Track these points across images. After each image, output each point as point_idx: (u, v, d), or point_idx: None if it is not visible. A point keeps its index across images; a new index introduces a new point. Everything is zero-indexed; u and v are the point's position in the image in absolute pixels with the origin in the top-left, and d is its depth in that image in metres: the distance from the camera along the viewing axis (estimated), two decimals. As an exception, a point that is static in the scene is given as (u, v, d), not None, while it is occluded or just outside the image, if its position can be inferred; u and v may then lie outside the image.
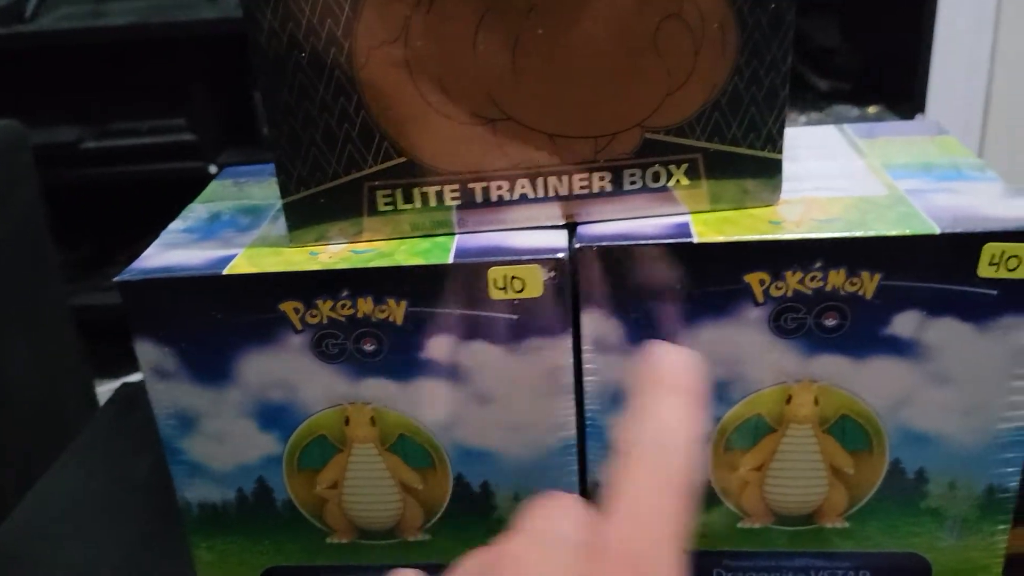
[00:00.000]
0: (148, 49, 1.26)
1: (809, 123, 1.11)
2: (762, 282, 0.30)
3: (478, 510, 0.34)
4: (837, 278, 0.30)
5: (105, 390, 0.77)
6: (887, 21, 1.20)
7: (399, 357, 0.32)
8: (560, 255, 0.30)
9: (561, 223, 0.32)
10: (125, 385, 0.59)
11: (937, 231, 0.29)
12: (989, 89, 1.22)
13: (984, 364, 0.31)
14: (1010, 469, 0.33)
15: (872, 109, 1.12)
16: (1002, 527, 0.34)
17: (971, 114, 1.22)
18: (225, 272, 0.31)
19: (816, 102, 1.17)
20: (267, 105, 0.30)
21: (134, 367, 0.33)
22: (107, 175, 1.32)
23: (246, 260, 0.32)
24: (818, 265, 0.30)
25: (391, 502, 0.34)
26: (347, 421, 0.33)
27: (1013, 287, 0.30)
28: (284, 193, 0.32)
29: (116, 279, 0.31)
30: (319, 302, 0.31)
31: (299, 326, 0.31)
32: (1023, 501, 0.35)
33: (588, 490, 0.34)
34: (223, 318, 0.32)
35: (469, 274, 0.30)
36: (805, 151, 0.37)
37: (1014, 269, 0.29)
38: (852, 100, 1.18)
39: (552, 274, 0.30)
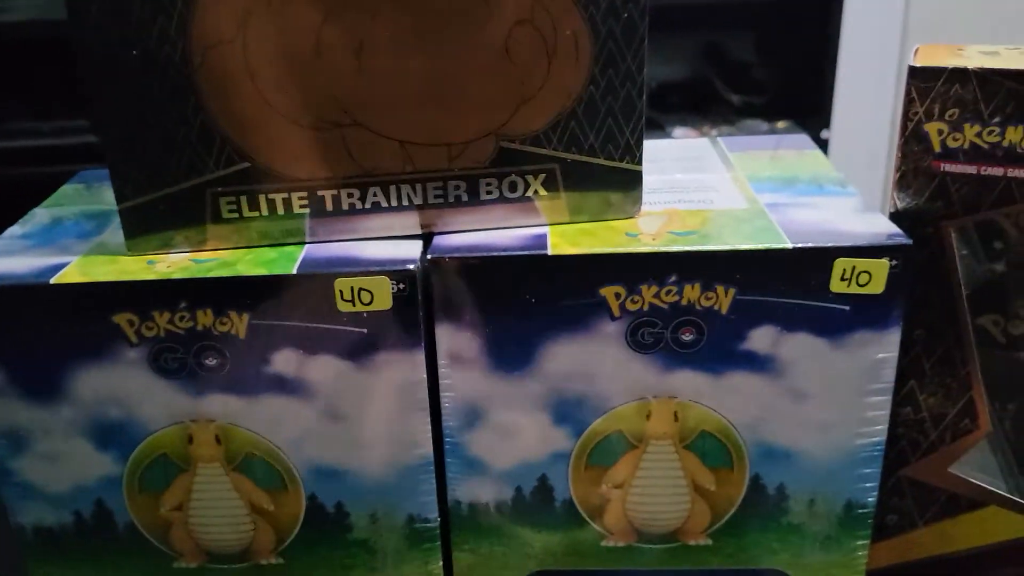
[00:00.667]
0: (50, 47, 1.21)
1: (720, 136, 1.12)
2: (618, 295, 0.30)
3: (333, 532, 0.33)
4: (692, 292, 0.30)
5: None
6: (798, 37, 1.22)
7: (243, 372, 0.30)
8: (409, 267, 0.29)
9: (417, 233, 0.31)
10: None
11: (789, 246, 0.29)
12: (895, 104, 1.25)
13: (839, 380, 0.31)
14: (868, 484, 0.33)
15: (781, 124, 1.13)
16: (862, 543, 0.34)
17: (878, 129, 1.25)
18: (53, 281, 0.29)
19: (728, 116, 1.18)
20: (96, 105, 0.28)
21: None
22: (6, 177, 1.26)
23: (78, 269, 0.30)
24: (673, 279, 0.30)
25: (240, 524, 0.33)
26: (190, 439, 0.31)
27: (865, 303, 0.30)
28: (119, 199, 0.30)
29: (-68, 288, 0.29)
30: (155, 314, 0.29)
31: (135, 339, 0.30)
32: (881, 517, 0.35)
33: (449, 509, 0.33)
34: (53, 330, 0.30)
35: (314, 285, 0.29)
36: (673, 163, 0.36)
37: (865, 284, 0.29)
38: (763, 115, 1.19)
39: (401, 286, 0.29)
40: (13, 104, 1.26)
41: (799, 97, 1.18)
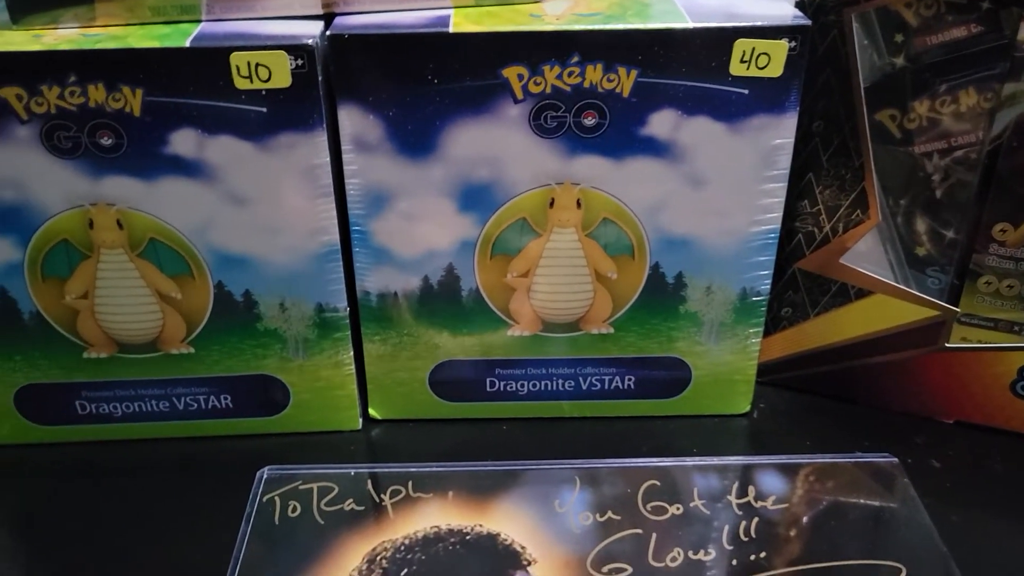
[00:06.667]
0: None
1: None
2: (520, 77, 0.30)
3: (242, 320, 0.33)
4: (594, 74, 0.30)
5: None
6: None
7: (141, 152, 0.30)
8: (307, 42, 0.29)
9: (319, 13, 0.31)
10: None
11: (690, 25, 0.29)
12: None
13: (736, 166, 0.31)
14: (762, 272, 0.34)
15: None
16: (755, 330, 0.35)
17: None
18: (-68, 51, 0.28)
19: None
20: None
21: None
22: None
23: (-41, 41, 0.29)
24: (575, 59, 0.29)
25: (148, 312, 0.33)
26: (91, 224, 0.31)
27: (763, 85, 0.30)
28: (-1, -34, 0.29)
29: None
30: (44, 88, 0.28)
31: (24, 115, 0.29)
32: (776, 310, 0.37)
33: (358, 299, 0.34)
34: (-64, 105, 0.29)
35: (209, 59, 0.28)
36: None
37: (764, 67, 0.30)
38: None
39: (299, 62, 0.29)
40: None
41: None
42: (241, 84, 0.29)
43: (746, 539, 0.31)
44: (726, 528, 0.31)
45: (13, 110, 0.29)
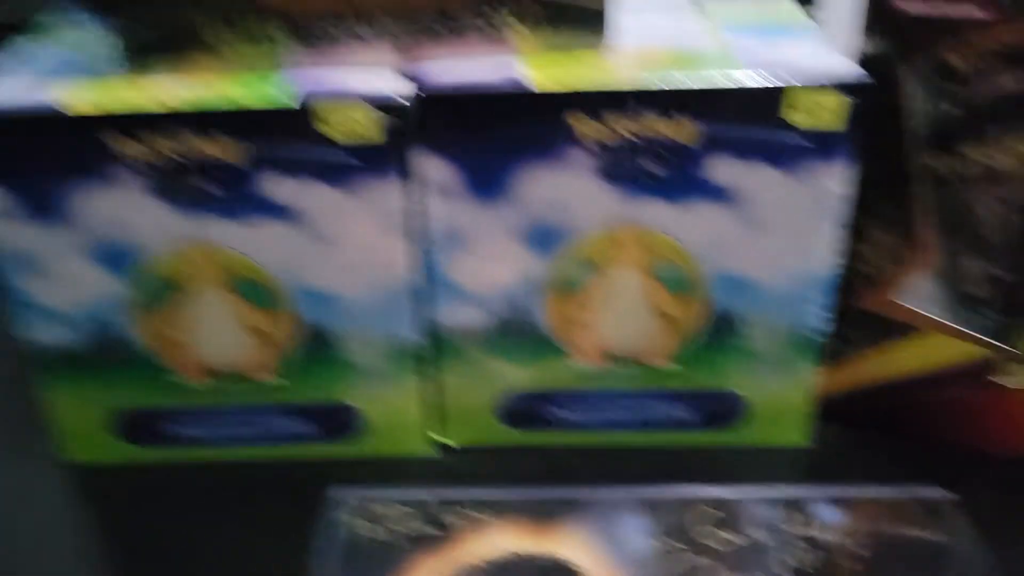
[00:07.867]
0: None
1: None
2: (588, 127, 0.32)
3: (324, 352, 0.36)
4: (657, 124, 0.32)
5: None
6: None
7: (238, 198, 0.32)
8: (402, 100, 0.31)
9: (394, 65, 0.33)
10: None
11: (750, 81, 0.31)
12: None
13: (794, 210, 0.33)
14: (820, 312, 0.35)
15: None
16: (812, 368, 0.36)
17: None
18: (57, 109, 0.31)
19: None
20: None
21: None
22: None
23: (72, 95, 0.31)
24: (638, 110, 0.31)
25: (240, 345, 0.35)
26: (190, 262, 0.33)
27: (823, 138, 0.31)
28: (111, 29, 0.31)
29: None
30: (155, 139, 0.31)
31: (134, 164, 0.32)
32: (832, 345, 0.38)
33: (432, 333, 0.36)
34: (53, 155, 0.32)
35: (308, 115, 0.31)
36: (647, 5, 0.37)
37: (824, 120, 0.31)
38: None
39: (392, 119, 0.31)
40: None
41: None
42: (336, 137, 0.31)
43: (807, 570, 0.32)
44: (786, 559, 0.33)
45: (125, 159, 0.31)
